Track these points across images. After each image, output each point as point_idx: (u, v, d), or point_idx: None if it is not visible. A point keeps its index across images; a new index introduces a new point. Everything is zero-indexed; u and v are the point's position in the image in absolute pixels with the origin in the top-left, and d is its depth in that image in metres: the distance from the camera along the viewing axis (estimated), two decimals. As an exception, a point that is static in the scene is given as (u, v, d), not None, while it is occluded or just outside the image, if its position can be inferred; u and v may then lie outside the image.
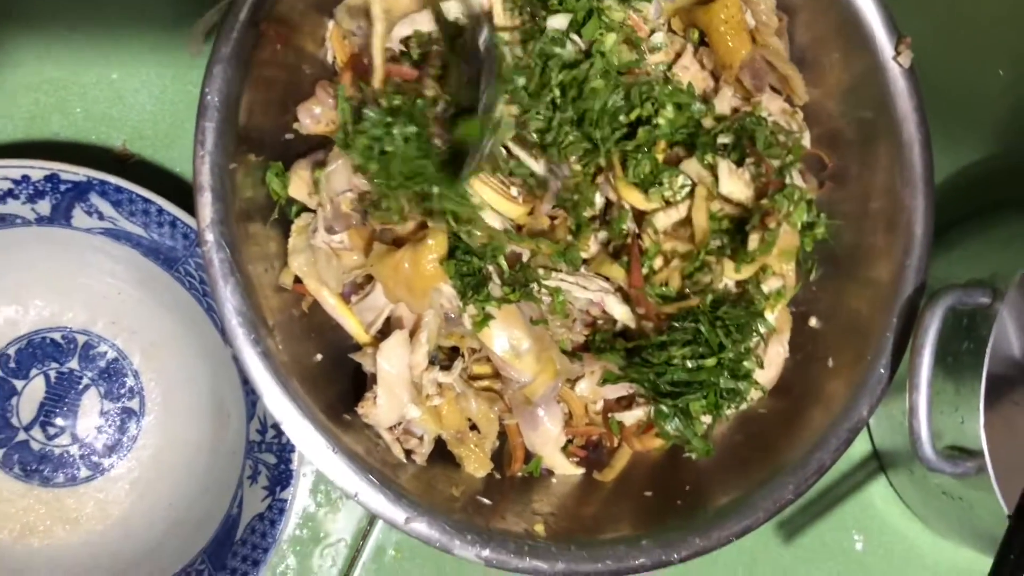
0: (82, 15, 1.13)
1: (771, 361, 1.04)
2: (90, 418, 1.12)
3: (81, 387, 1.12)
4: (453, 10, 0.96)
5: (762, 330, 1.01)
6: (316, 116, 0.97)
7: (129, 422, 1.12)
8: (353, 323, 0.98)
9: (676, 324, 0.96)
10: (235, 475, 1.07)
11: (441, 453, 1.02)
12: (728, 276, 0.98)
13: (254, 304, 0.88)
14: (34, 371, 1.11)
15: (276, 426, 0.94)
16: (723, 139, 1.01)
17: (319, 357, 0.98)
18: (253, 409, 1.06)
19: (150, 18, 1.14)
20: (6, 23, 1.12)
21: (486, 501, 0.97)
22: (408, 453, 0.98)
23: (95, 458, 1.12)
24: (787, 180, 1.03)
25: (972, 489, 0.98)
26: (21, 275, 1.09)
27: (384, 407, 0.94)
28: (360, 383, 1.01)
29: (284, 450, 1.04)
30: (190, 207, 0.89)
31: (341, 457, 0.88)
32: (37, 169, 1.01)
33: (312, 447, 0.88)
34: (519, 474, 1.04)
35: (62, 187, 1.02)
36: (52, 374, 1.11)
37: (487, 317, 0.95)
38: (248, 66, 0.89)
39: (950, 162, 1.26)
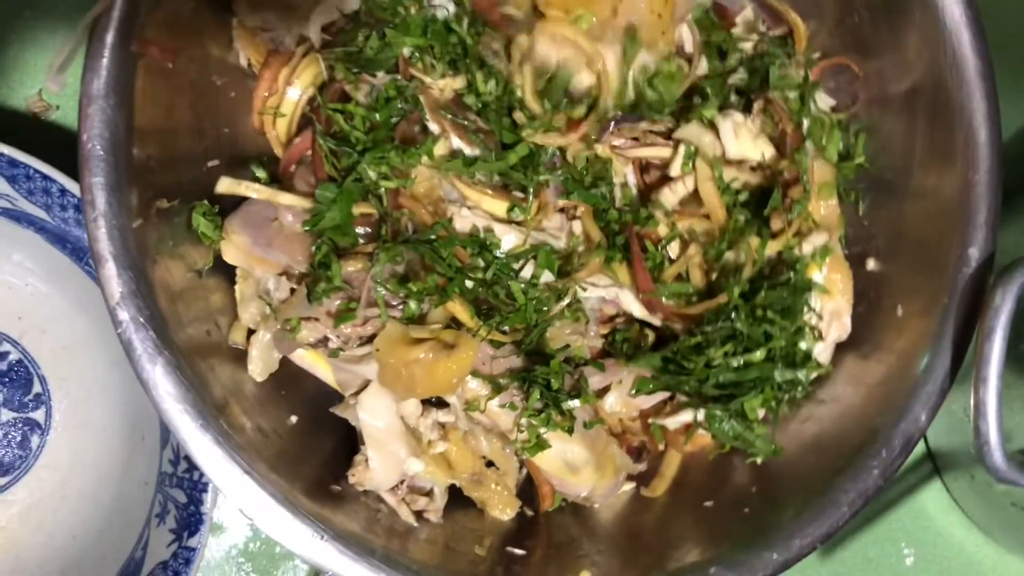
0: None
1: (832, 326, 0.87)
2: (-17, 430, 0.96)
3: (-26, 393, 0.96)
4: None
5: (814, 300, 0.84)
6: None
7: (32, 436, 0.96)
8: (330, 373, 0.83)
9: (708, 327, 0.80)
10: (144, 510, 0.92)
11: (458, 499, 0.87)
12: (761, 253, 0.82)
13: (196, 382, 0.73)
14: (-82, 372, 0.95)
15: (189, 457, 0.79)
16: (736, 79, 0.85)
17: (294, 420, 0.83)
18: (168, 434, 0.90)
19: None
20: None
21: (519, 552, 0.83)
22: (419, 514, 0.83)
23: (-14, 477, 0.95)
24: (811, 108, 0.85)
25: None
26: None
27: (379, 469, 0.79)
28: (353, 437, 0.86)
29: (195, 488, 0.88)
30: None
31: (333, 544, 0.74)
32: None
33: (295, 539, 0.73)
34: (553, 507, 0.89)
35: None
36: (-60, 373, 0.95)
37: (542, 443, 0.81)
38: (132, 97, 0.73)
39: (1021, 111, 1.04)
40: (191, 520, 0.89)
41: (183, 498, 0.89)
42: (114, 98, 0.71)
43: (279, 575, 0.99)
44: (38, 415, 0.97)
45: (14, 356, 0.96)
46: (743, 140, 0.82)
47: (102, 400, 0.97)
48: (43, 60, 0.97)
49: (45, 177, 0.86)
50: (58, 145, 0.89)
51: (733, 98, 0.86)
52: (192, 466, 0.87)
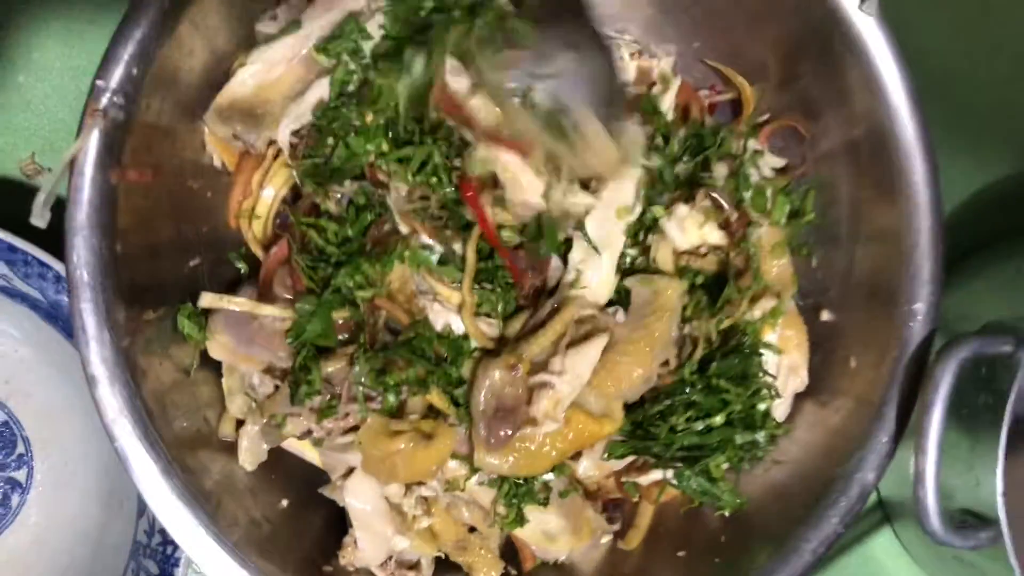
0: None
1: (788, 380, 0.92)
2: (-34, 487, 1.01)
3: (-40, 451, 1.01)
4: None
5: (768, 360, 0.89)
6: None
7: (12, 495, 1.01)
8: (316, 456, 0.88)
9: (667, 399, 0.84)
10: (117, 575, 0.96)
11: (444, 564, 0.92)
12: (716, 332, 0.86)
13: (190, 482, 0.78)
14: (-94, 429, 1.00)
15: (164, 531, 0.85)
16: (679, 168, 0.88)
17: (285, 503, 0.88)
18: (144, 505, 0.91)
19: (62, 14, 0.99)
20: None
21: (505, 613, 0.88)
22: (408, 586, 0.88)
23: (-35, 532, 1.00)
24: (751, 177, 0.90)
25: (987, 559, 0.85)
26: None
27: (368, 548, 0.84)
28: (340, 512, 0.90)
29: (168, 562, 0.92)
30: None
31: (328, 627, 0.79)
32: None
33: (294, 628, 0.78)
34: (535, 565, 0.94)
35: (-51, 237, 0.89)
36: (-72, 434, 1.00)
37: (521, 518, 0.86)
38: (115, 221, 0.77)
39: (973, 179, 1.08)
40: None
41: (155, 570, 0.93)
42: (97, 227, 0.75)
43: None
44: (20, 475, 1.01)
45: (0, 417, 1.01)
46: (690, 232, 0.86)
47: (82, 464, 1.01)
48: (36, 125, 1.01)
49: (42, 264, 0.90)
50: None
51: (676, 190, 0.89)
52: (166, 540, 0.91)
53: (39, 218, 0.74)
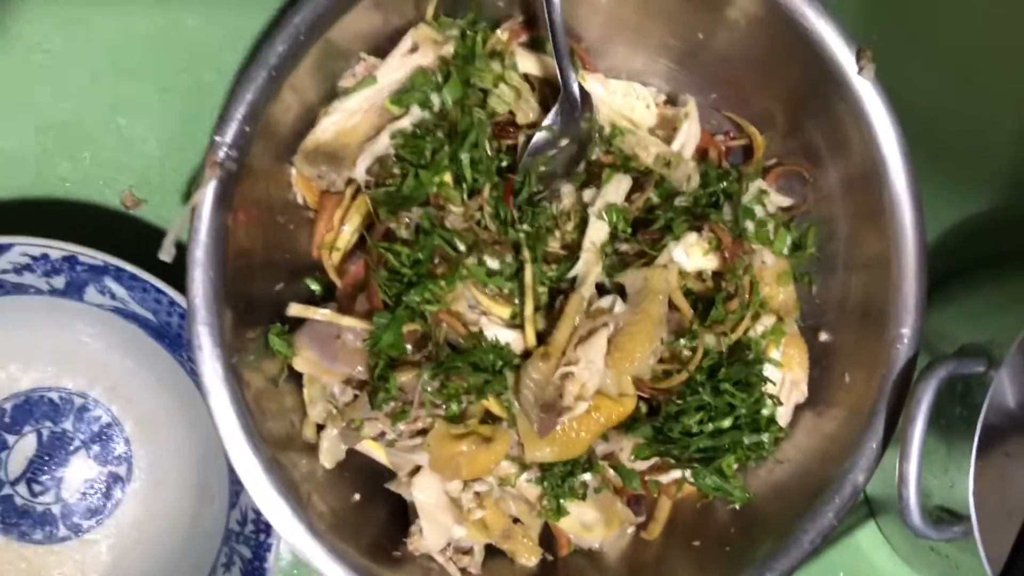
0: (98, 60, 1.12)
1: (791, 393, 1.05)
2: (77, 479, 1.12)
3: (72, 448, 1.13)
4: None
5: (771, 371, 1.02)
6: None
7: (114, 487, 1.14)
8: (383, 455, 1.00)
9: (681, 400, 0.97)
10: (210, 558, 1.07)
11: (491, 551, 1.04)
12: (712, 345, 0.99)
13: (283, 475, 0.90)
14: (28, 428, 1.12)
15: (256, 521, 0.98)
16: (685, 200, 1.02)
17: (357, 497, 1.00)
18: (236, 498, 1.06)
19: (158, 62, 1.13)
20: (28, 59, 1.12)
21: (545, 595, 1.01)
22: (463, 570, 1.01)
23: (75, 519, 1.11)
24: (755, 212, 1.03)
25: (959, 551, 0.97)
26: (28, 336, 1.10)
27: (431, 536, 0.97)
28: (402, 505, 1.04)
29: (261, 547, 1.03)
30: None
31: (400, 603, 0.92)
32: (56, 250, 0.99)
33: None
34: (569, 552, 1.07)
35: (79, 268, 1.00)
36: (45, 432, 1.12)
37: (562, 510, 0.98)
38: (225, 255, 0.89)
39: (953, 212, 1.21)
40: (255, 573, 1.04)
41: (248, 554, 1.04)
42: (212, 261, 0.87)
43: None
44: (121, 470, 1.14)
45: (105, 419, 1.14)
46: (695, 257, 0.99)
47: (177, 462, 1.13)
48: (133, 161, 1.13)
49: (158, 290, 1.01)
50: (144, 237, 1.04)
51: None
52: (259, 529, 1.03)
53: (167, 254, 0.87)
